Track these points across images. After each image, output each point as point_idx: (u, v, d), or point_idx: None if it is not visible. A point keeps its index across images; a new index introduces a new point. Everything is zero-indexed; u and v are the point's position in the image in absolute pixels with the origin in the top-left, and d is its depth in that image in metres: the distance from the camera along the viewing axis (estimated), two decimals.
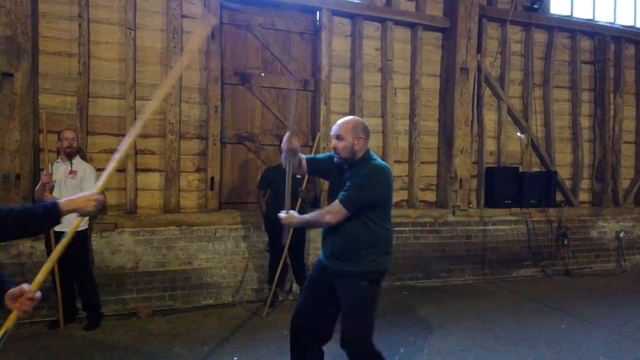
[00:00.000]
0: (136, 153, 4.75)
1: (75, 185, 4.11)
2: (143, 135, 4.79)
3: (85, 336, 3.96)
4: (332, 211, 2.46)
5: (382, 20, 5.75)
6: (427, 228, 5.79)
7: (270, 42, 5.41)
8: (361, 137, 2.54)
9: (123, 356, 3.60)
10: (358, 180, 2.47)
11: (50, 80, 4.51)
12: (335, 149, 2.57)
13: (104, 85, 4.69)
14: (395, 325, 4.33)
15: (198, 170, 5.01)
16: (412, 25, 5.91)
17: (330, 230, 2.58)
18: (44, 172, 4.09)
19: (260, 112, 5.43)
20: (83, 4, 4.56)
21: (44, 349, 3.68)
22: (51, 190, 4.03)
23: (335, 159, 2.63)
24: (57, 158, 4.23)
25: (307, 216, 2.60)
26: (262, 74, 5.39)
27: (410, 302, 5.07)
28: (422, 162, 5.99)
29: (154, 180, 4.83)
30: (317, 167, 2.79)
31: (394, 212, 5.55)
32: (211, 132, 5.01)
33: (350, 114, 5.65)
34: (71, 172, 4.14)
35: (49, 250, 3.99)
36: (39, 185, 4.06)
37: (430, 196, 6.12)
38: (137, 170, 4.74)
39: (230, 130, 5.28)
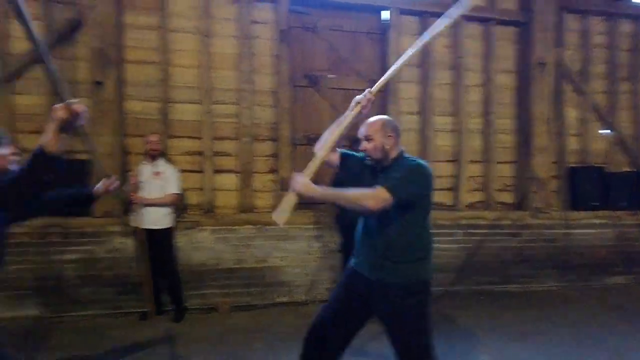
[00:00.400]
0: (213, 155, 5.21)
1: (159, 185, 4.61)
2: (219, 138, 5.27)
3: (172, 328, 4.43)
4: (375, 195, 2.28)
5: None
6: (505, 231, 5.84)
7: (338, 43, 5.76)
8: (391, 136, 2.50)
9: (208, 349, 3.99)
10: (399, 173, 2.39)
11: (135, 88, 5.08)
12: (365, 151, 2.53)
13: (183, 91, 5.20)
14: (473, 331, 4.44)
15: (271, 171, 5.41)
16: (484, 21, 6.04)
17: (366, 234, 2.51)
18: (132, 173, 4.64)
19: (328, 113, 5.75)
20: (163, 15, 5.12)
21: (137, 338, 4.16)
22: (138, 189, 4.55)
23: (368, 162, 2.59)
24: (143, 160, 4.76)
25: (337, 191, 2.39)
26: (330, 76, 5.74)
27: (489, 307, 5.16)
28: (497, 162, 6.07)
29: (230, 180, 5.28)
30: (348, 162, 2.69)
31: (467, 213, 5.78)
32: (282, 134, 5.40)
33: (420, 113, 5.89)
34: (156, 172, 4.64)
35: (138, 245, 4.54)
36: (128, 184, 4.59)
37: (508, 197, 6.17)
38: (214, 171, 5.21)
39: (300, 132, 5.65)
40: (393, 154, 2.53)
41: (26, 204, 1.84)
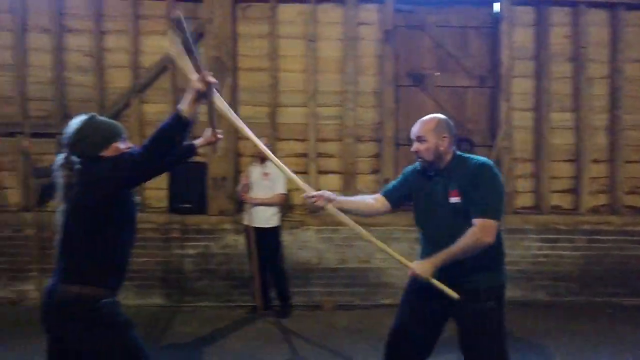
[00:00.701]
0: (317, 156, 5.35)
1: (267, 186, 4.84)
2: (323, 140, 5.40)
3: (278, 323, 4.65)
4: (485, 229, 2.20)
5: (573, 4, 5.47)
6: (636, 238, 5.24)
7: (445, 40, 5.59)
8: (445, 137, 2.38)
9: (313, 345, 4.13)
10: (482, 183, 2.27)
11: (247, 94, 5.40)
12: (417, 152, 2.43)
13: (290, 95, 5.42)
14: (599, 347, 4.08)
15: (374, 172, 5.43)
16: (610, 6, 5.48)
17: (432, 239, 2.38)
18: (243, 174, 4.92)
19: (433, 112, 5.58)
20: (273, 23, 5.35)
21: (246, 330, 4.45)
22: (249, 190, 4.81)
23: (418, 165, 2.51)
24: (253, 162, 5.02)
25: (451, 251, 2.24)
26: (437, 74, 5.59)
27: (617, 322, 4.70)
28: (626, 162, 5.47)
29: (333, 181, 5.39)
30: (396, 195, 2.64)
31: (590, 218, 5.31)
32: (385, 134, 5.38)
33: (535, 109, 5.52)
34: (265, 174, 4.87)
35: (248, 242, 4.82)
36: (240, 185, 4.88)
37: (639, 201, 5.53)
38: (318, 172, 5.34)
39: (404, 131, 5.56)
40: (448, 156, 2.41)
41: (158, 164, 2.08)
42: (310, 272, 5.13)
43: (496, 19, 5.54)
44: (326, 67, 5.44)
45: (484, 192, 2.26)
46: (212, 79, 2.01)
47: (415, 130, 2.46)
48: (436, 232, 2.39)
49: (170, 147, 2.01)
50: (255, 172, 4.92)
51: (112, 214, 2.06)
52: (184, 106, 1.97)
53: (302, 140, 5.40)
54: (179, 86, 5.30)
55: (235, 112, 5.19)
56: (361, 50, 5.44)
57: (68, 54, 5.31)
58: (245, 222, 4.84)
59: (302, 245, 5.15)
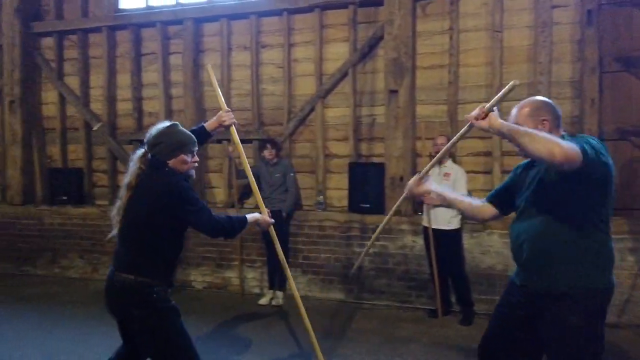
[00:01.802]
0: (502, 154, 5.02)
1: (448, 186, 4.70)
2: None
3: (459, 329, 4.50)
4: (566, 144, 1.85)
5: None
6: None
7: None
8: (545, 120, 2.13)
9: None
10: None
11: (425, 92, 5.36)
12: None
13: (471, 91, 5.20)
14: None
15: None
16: None
17: (526, 232, 2.14)
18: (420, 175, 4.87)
19: None
20: (454, 17, 5.21)
21: (425, 334, 4.40)
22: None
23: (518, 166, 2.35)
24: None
25: (523, 129, 2.00)
26: None
27: None
28: None
29: None
30: (504, 197, 2.44)
31: None
32: (586, 128, 4.78)
33: None
34: (445, 174, 4.77)
35: (426, 244, 4.76)
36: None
37: None
38: (502, 172, 4.98)
39: (610, 124, 4.88)
40: None
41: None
42: (494, 278, 4.81)
43: None
44: (513, 58, 5.08)
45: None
46: (271, 221, 2.82)
47: (511, 119, 2.26)
48: (527, 217, 2.17)
49: (228, 235, 2.58)
50: (434, 172, 4.84)
51: (165, 224, 2.35)
52: (249, 222, 2.64)
53: (485, 138, 5.12)
54: (358, 90, 5.53)
55: (414, 111, 5.33)
56: (556, 36, 4.94)
57: (263, 67, 5.97)
58: (425, 224, 4.79)
59: (484, 250, 4.88)
